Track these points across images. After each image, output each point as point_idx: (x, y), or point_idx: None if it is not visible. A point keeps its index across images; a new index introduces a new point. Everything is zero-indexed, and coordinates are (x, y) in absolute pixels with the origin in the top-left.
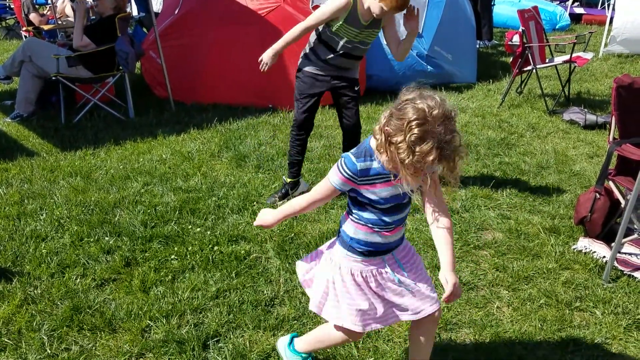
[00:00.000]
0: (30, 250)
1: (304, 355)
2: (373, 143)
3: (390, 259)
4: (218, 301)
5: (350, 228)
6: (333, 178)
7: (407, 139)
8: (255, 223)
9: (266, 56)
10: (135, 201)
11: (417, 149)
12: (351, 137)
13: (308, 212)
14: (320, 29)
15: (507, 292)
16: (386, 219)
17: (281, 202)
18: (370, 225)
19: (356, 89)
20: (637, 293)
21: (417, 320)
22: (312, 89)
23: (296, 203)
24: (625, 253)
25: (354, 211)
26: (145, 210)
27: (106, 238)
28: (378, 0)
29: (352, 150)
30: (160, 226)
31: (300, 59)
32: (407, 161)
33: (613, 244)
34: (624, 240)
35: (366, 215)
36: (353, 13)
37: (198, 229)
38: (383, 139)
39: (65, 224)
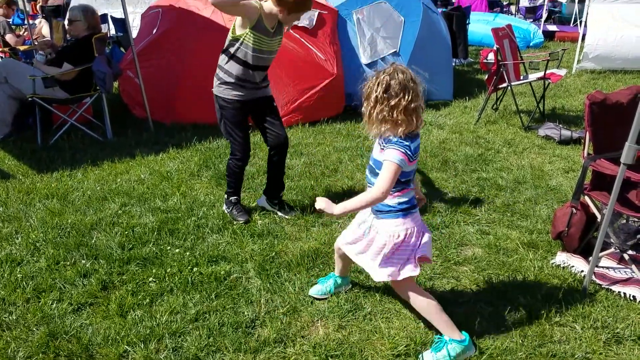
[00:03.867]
0: (5, 275)
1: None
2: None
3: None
4: (197, 324)
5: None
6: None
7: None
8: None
9: None
10: (112, 223)
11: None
12: (281, 150)
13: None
14: (232, 49)
15: (488, 308)
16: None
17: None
18: (402, 187)
19: (274, 104)
20: (616, 307)
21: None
22: (241, 115)
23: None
24: (603, 267)
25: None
26: (122, 231)
27: (83, 261)
28: (275, 6)
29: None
30: (138, 248)
31: (217, 87)
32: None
33: (591, 258)
34: (601, 254)
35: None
36: (260, 20)
37: (177, 250)
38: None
39: (41, 248)
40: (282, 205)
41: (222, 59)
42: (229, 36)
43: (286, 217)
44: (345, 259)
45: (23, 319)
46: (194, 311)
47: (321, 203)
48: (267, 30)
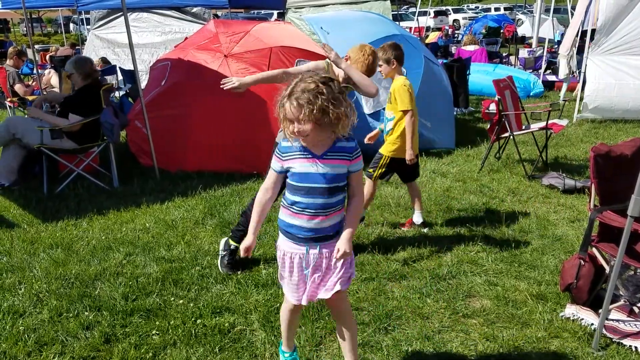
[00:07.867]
0: (7, 327)
1: (287, 353)
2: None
3: (312, 250)
4: None
5: (280, 211)
6: (272, 163)
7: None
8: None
9: (236, 80)
10: (116, 273)
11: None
12: None
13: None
14: None
15: None
16: (302, 200)
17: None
18: (289, 206)
19: None
20: None
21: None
22: None
23: (262, 202)
24: (613, 320)
25: (283, 195)
26: (126, 282)
27: (86, 313)
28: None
29: None
30: (141, 299)
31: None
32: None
33: (600, 311)
34: (610, 306)
35: (288, 195)
36: None
37: (181, 301)
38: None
39: (44, 299)
40: None
41: None
42: None
43: None
44: (295, 323)
45: None
46: None
47: (344, 247)
48: None
